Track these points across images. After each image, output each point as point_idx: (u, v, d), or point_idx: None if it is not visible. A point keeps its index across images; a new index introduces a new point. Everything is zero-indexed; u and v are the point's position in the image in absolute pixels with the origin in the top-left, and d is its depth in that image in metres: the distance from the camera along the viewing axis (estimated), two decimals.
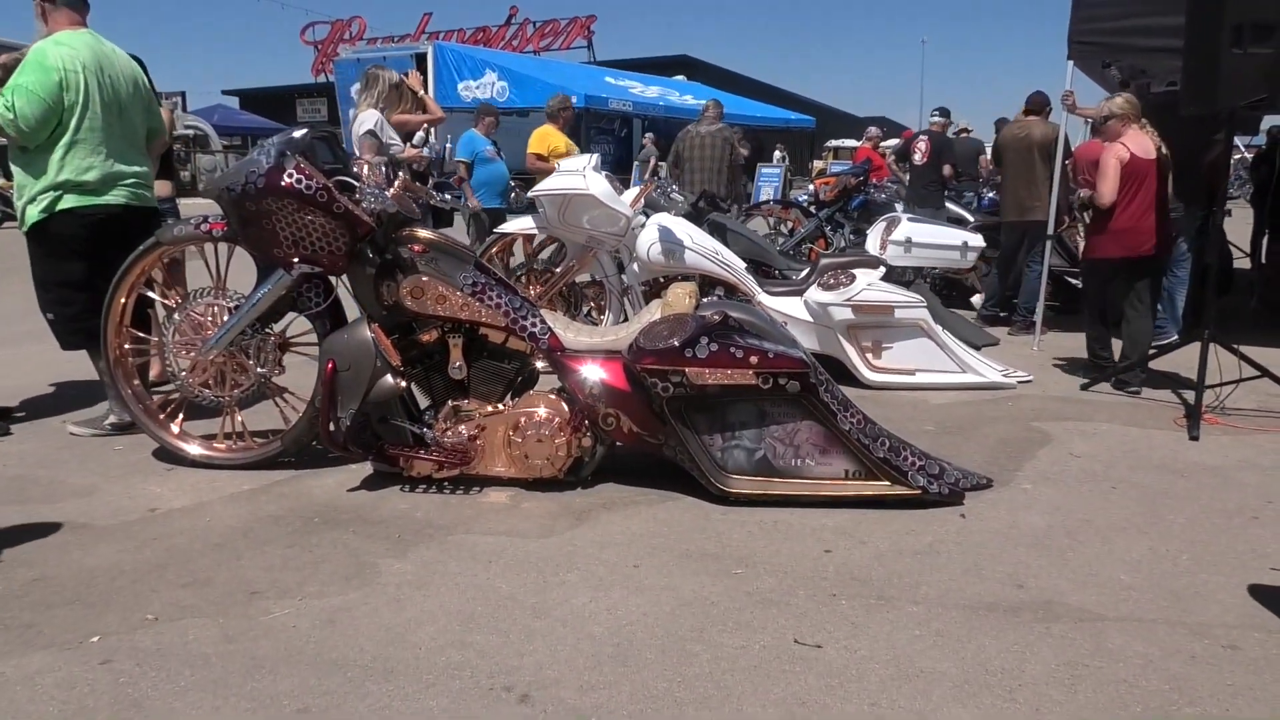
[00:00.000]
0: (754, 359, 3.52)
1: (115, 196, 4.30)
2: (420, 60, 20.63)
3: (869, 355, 5.71)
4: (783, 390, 3.54)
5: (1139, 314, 5.71)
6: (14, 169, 4.24)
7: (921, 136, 9.41)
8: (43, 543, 3.22)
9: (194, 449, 4.03)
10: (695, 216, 6.63)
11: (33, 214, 4.20)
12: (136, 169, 4.41)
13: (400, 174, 4.13)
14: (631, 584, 2.95)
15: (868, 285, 5.67)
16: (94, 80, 4.19)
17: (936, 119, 9.94)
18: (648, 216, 5.99)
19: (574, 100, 8.97)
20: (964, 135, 12.87)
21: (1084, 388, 5.69)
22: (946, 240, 6.56)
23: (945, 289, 9.21)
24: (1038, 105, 7.88)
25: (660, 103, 24.07)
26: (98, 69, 4.22)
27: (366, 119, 5.93)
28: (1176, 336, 6.32)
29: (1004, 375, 5.77)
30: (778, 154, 25.36)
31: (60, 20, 4.26)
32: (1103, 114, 5.71)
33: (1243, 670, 2.48)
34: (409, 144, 6.20)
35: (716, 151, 8.94)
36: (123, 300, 4.01)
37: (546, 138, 8.19)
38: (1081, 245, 9.67)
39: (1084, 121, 9.05)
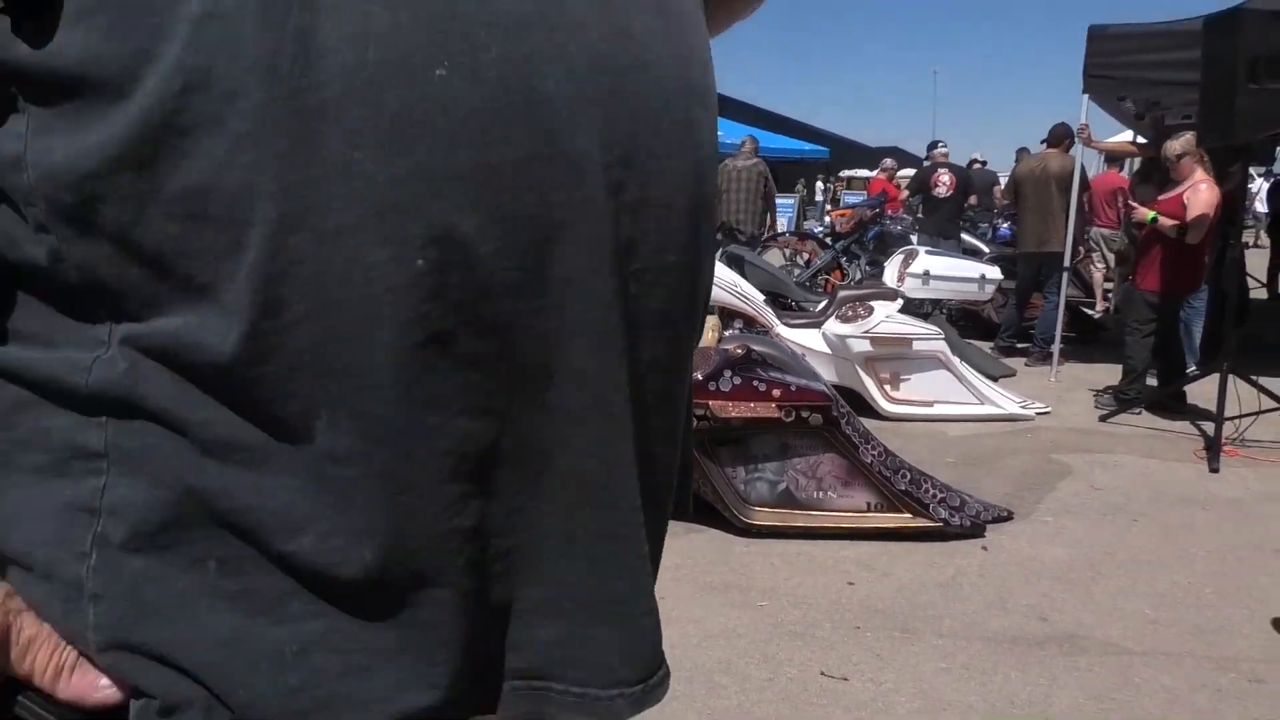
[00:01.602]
0: (777, 392, 3.56)
1: None
2: None
3: (887, 387, 5.73)
4: (805, 423, 3.58)
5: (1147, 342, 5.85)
6: None
7: (942, 169, 9.45)
8: None
9: None
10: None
11: None
12: None
13: None
14: None
15: (886, 317, 5.71)
16: None
17: (944, 149, 10.00)
18: None
19: None
20: (977, 167, 12.94)
21: (1103, 419, 5.70)
22: (964, 273, 6.61)
23: (961, 320, 9.24)
24: (1057, 138, 7.91)
25: None
26: None
27: None
28: (1195, 368, 6.33)
29: (1022, 407, 5.78)
30: (820, 185, 25.57)
31: None
32: (1175, 153, 5.74)
33: (1269, 703, 2.49)
34: None
35: (752, 184, 9.22)
36: None
37: None
38: (1098, 276, 9.78)
39: (1098, 154, 9.15)
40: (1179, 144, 5.73)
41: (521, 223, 0.48)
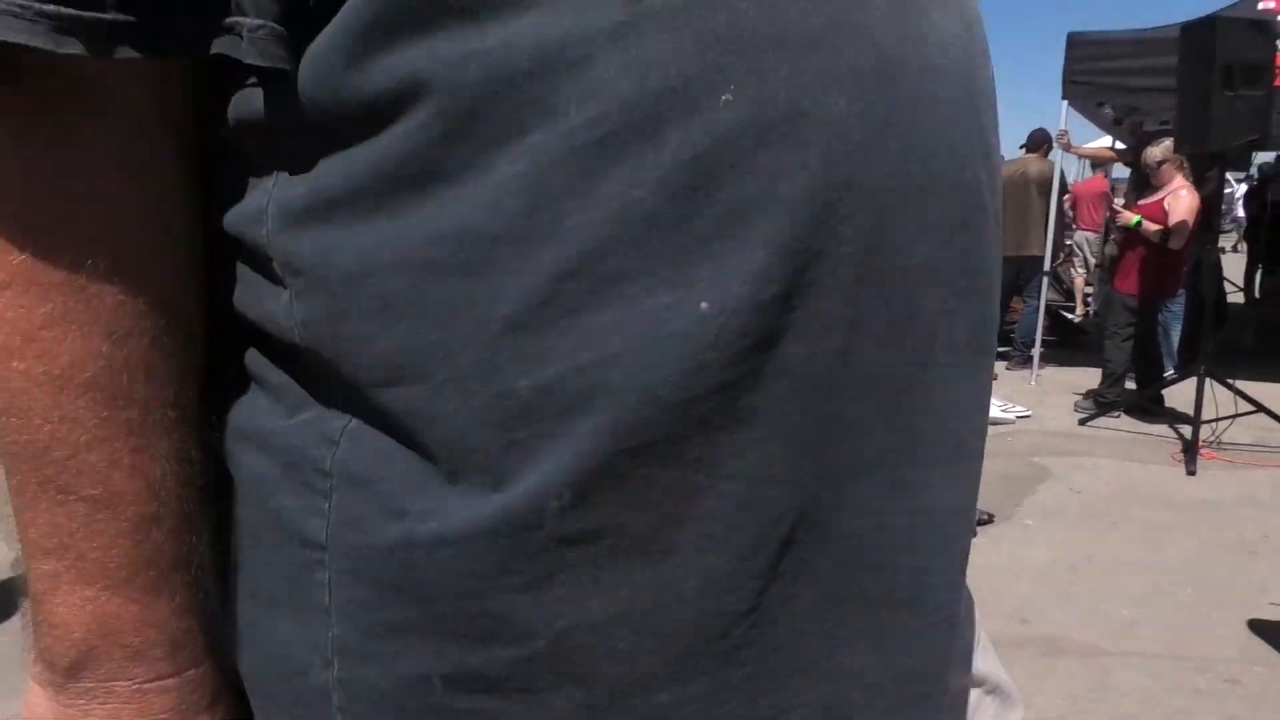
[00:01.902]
0: None
1: None
2: None
3: None
4: None
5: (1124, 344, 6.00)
6: None
7: None
8: None
9: None
10: None
11: None
12: None
13: None
14: None
15: None
16: None
17: None
18: None
19: None
20: None
21: (1082, 422, 5.75)
22: None
23: None
24: (1036, 142, 7.99)
25: None
26: None
27: None
28: (1173, 371, 6.39)
29: (1002, 410, 5.82)
30: None
31: None
32: (1155, 159, 5.79)
33: (1244, 704, 2.52)
34: None
35: None
36: None
37: None
38: (1078, 280, 9.87)
39: (1078, 159, 9.22)
40: (1159, 150, 5.80)
41: (811, 258, 0.43)
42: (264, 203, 0.43)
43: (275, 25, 0.40)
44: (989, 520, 3.88)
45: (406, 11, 0.40)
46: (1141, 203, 5.88)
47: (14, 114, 0.40)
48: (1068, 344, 8.48)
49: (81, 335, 0.41)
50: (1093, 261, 9.82)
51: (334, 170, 0.42)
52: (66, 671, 0.45)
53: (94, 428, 0.42)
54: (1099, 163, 9.48)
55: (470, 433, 0.41)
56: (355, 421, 0.44)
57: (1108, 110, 7.86)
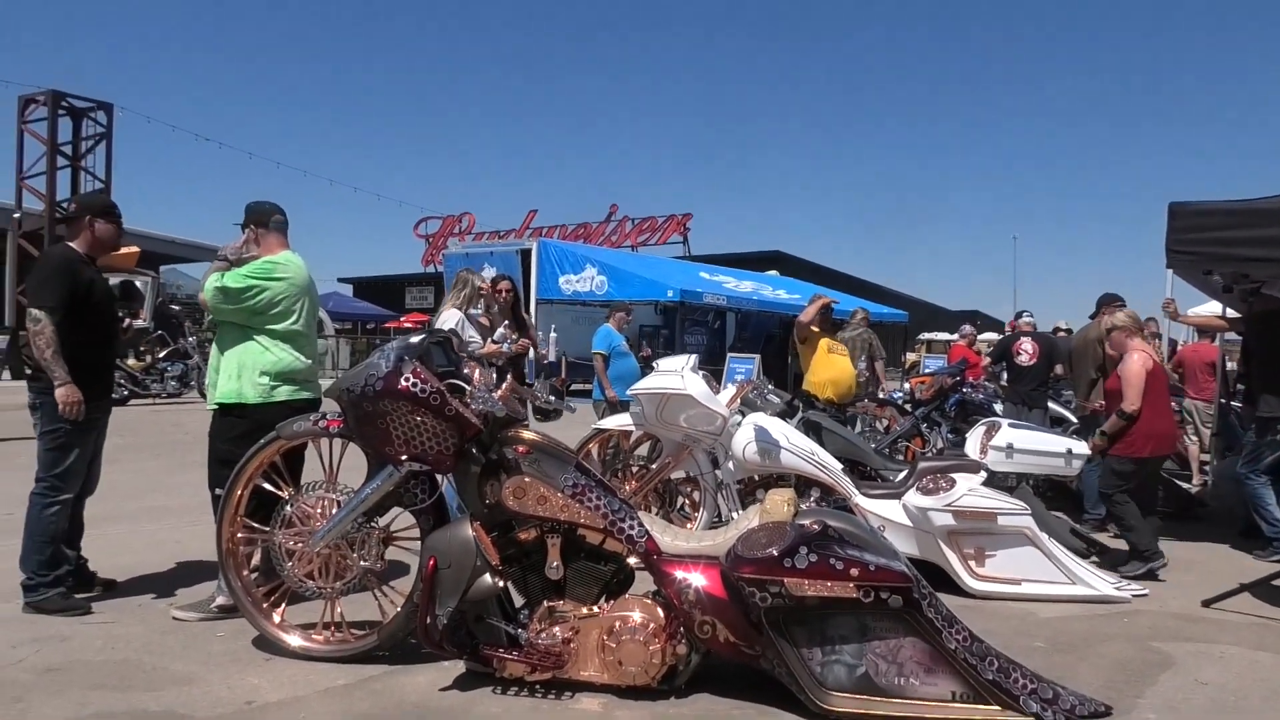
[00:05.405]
0: (855, 571, 3.46)
1: (312, 391, 4.85)
2: (525, 256, 21.74)
3: (971, 563, 5.53)
4: (884, 604, 3.45)
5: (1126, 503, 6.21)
6: (225, 348, 4.73)
7: (1025, 338, 9.47)
8: None
9: (294, 640, 4.08)
10: (789, 414, 6.68)
11: (251, 395, 4.63)
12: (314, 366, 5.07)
13: (509, 376, 4.31)
14: None
15: (969, 490, 5.56)
16: (307, 292, 4.83)
17: (1029, 319, 10.05)
18: (744, 416, 6.06)
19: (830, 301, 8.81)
20: (1062, 335, 12.81)
21: (1206, 604, 5.38)
22: (1049, 447, 6.41)
23: (1049, 492, 8.94)
24: (1099, 306, 8.47)
25: (754, 297, 24.61)
26: (308, 283, 4.88)
27: (449, 318, 6.36)
28: None
29: (1116, 588, 5.50)
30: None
31: (272, 244, 4.88)
32: (1105, 327, 6.38)
33: None
34: (489, 340, 6.54)
35: (859, 353, 10.11)
36: (240, 492, 4.19)
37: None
38: (1193, 449, 9.51)
39: (1187, 327, 9.06)
40: (1110, 320, 6.26)
41: None
42: None
43: None
44: (1106, 713, 3.60)
45: None
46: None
47: None
48: (1185, 517, 8.04)
49: None
50: (1205, 431, 9.48)
51: None
52: None
53: None
54: (1205, 330, 9.30)
55: None
56: None
57: (1216, 278, 7.70)
